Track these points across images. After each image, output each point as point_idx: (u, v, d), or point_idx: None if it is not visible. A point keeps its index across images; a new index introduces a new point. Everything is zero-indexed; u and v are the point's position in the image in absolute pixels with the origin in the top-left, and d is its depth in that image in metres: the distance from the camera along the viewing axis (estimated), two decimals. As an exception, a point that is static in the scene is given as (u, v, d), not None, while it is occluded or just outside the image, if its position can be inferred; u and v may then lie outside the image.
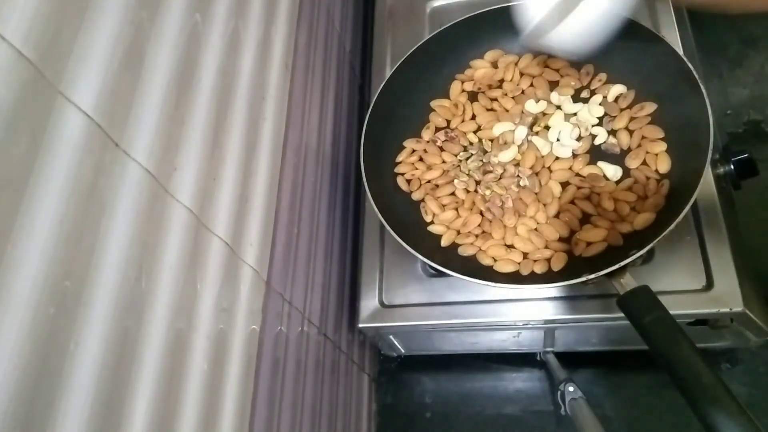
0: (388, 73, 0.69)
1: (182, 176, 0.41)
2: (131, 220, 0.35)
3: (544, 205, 0.60)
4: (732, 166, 0.60)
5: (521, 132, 0.64)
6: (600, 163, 0.61)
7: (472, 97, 0.69)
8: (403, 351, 0.78)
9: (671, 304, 0.48)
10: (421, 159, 0.67)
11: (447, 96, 0.70)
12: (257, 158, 0.52)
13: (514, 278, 0.58)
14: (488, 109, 0.68)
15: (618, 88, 0.63)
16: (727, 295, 0.55)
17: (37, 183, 0.29)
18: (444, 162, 0.66)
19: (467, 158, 0.65)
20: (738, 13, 0.50)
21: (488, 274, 0.58)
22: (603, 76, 0.65)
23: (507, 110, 0.66)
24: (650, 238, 0.51)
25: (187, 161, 0.41)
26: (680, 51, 0.60)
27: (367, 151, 0.64)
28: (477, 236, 0.61)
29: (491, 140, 0.66)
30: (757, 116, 0.82)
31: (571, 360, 0.71)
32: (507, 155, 0.64)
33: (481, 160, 0.65)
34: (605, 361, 0.73)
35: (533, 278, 0.57)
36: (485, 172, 0.64)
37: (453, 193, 0.64)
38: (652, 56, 0.60)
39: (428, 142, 0.68)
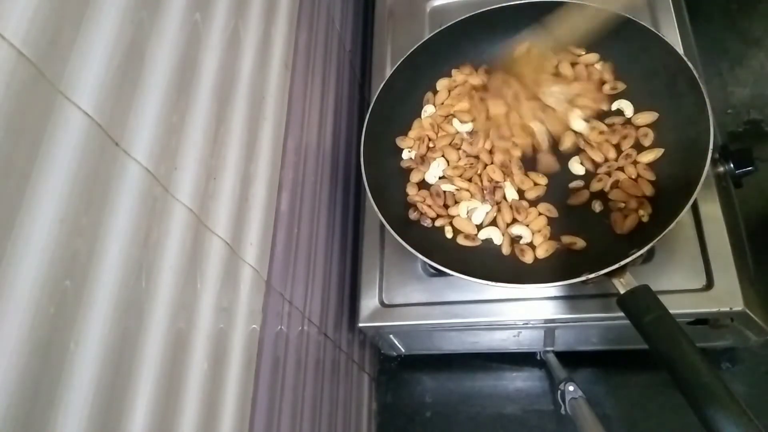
0: (388, 72, 0.69)
1: (182, 176, 0.41)
2: (131, 220, 0.35)
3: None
4: (731, 163, 0.60)
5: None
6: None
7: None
8: (403, 350, 0.78)
9: (671, 304, 0.48)
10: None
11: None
12: (257, 158, 0.52)
13: (514, 278, 0.58)
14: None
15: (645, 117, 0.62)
16: (728, 295, 0.55)
17: (37, 182, 0.29)
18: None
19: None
20: None
21: (488, 272, 0.58)
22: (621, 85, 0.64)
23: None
24: (650, 237, 0.51)
25: (187, 161, 0.41)
26: (680, 50, 0.60)
27: (367, 151, 0.64)
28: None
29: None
30: (758, 115, 0.82)
31: (571, 359, 0.71)
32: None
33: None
34: (605, 361, 0.73)
35: (533, 278, 0.57)
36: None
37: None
38: (652, 55, 0.60)
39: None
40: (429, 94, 0.71)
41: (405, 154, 0.68)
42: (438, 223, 0.63)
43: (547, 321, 0.61)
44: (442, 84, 0.71)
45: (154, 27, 0.38)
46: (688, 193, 0.51)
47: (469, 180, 0.64)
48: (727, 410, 0.41)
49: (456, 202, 0.64)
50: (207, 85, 0.45)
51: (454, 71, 0.70)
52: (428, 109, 0.70)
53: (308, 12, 0.67)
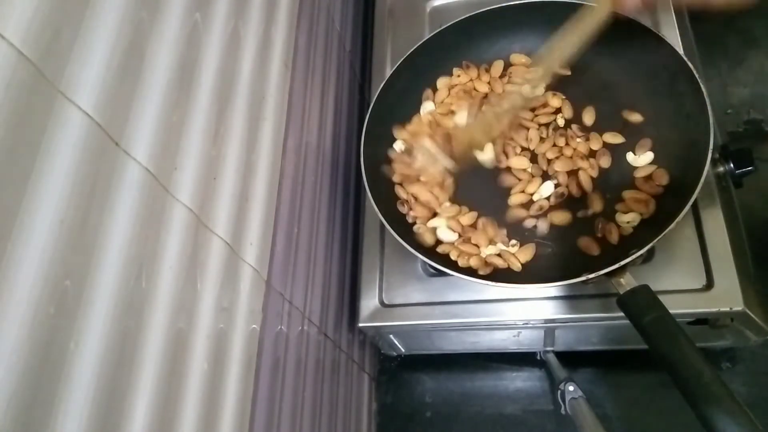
0: (388, 72, 0.69)
1: (182, 175, 0.41)
2: (131, 220, 0.35)
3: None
4: (731, 163, 0.60)
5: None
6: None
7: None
8: (403, 350, 0.78)
9: (671, 304, 0.48)
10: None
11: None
12: (257, 158, 0.52)
13: (514, 278, 0.58)
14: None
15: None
16: (727, 295, 0.55)
17: (37, 182, 0.29)
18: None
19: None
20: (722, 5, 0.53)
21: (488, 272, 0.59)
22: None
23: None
24: (650, 237, 0.51)
25: (187, 160, 0.41)
26: (680, 50, 0.60)
27: (367, 151, 0.64)
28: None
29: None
30: (758, 115, 0.82)
31: (571, 359, 0.71)
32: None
33: None
34: (605, 361, 0.73)
35: (533, 278, 0.57)
36: None
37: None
38: (653, 56, 0.60)
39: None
40: (428, 91, 0.70)
41: (397, 145, 0.68)
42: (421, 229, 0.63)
43: (547, 321, 0.61)
44: (442, 82, 0.71)
45: (154, 27, 0.38)
46: (688, 193, 0.51)
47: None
48: (728, 410, 0.41)
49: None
50: (207, 85, 0.45)
51: (455, 69, 0.70)
52: (427, 106, 0.70)
53: (308, 12, 0.67)
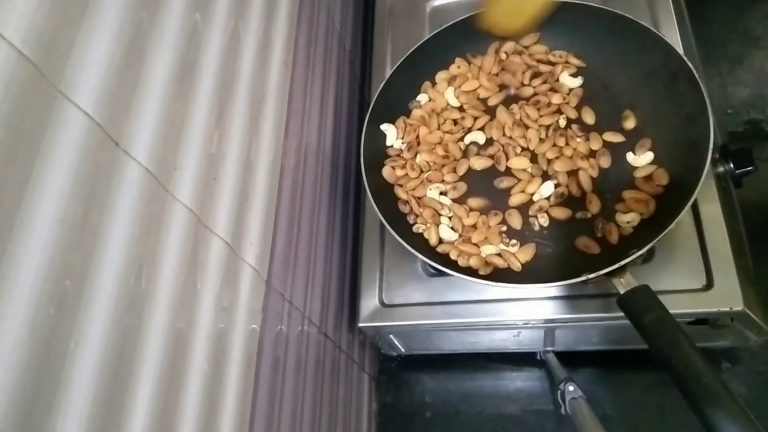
0: (388, 72, 0.69)
1: (182, 175, 0.41)
2: (131, 220, 0.35)
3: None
4: (731, 163, 0.60)
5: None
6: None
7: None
8: (403, 350, 0.78)
9: (671, 304, 0.48)
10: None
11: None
12: (257, 158, 0.52)
13: (514, 278, 0.58)
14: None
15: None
16: (728, 295, 0.55)
17: (37, 182, 0.29)
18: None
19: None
20: None
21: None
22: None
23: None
24: (650, 237, 0.51)
25: (187, 160, 0.41)
26: (680, 50, 0.60)
27: (367, 151, 0.64)
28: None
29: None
30: (758, 115, 0.82)
31: (571, 359, 0.71)
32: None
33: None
34: (605, 361, 0.73)
35: (533, 278, 0.57)
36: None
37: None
38: (653, 56, 0.60)
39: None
40: (427, 83, 0.70)
41: (396, 144, 0.68)
42: (420, 229, 0.63)
43: (547, 321, 0.61)
44: (440, 77, 0.71)
45: (154, 27, 0.38)
46: (688, 193, 0.51)
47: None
48: (727, 410, 0.41)
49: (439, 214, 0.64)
50: (207, 85, 0.45)
51: (457, 59, 0.70)
52: (422, 98, 0.70)
53: (308, 12, 0.67)
